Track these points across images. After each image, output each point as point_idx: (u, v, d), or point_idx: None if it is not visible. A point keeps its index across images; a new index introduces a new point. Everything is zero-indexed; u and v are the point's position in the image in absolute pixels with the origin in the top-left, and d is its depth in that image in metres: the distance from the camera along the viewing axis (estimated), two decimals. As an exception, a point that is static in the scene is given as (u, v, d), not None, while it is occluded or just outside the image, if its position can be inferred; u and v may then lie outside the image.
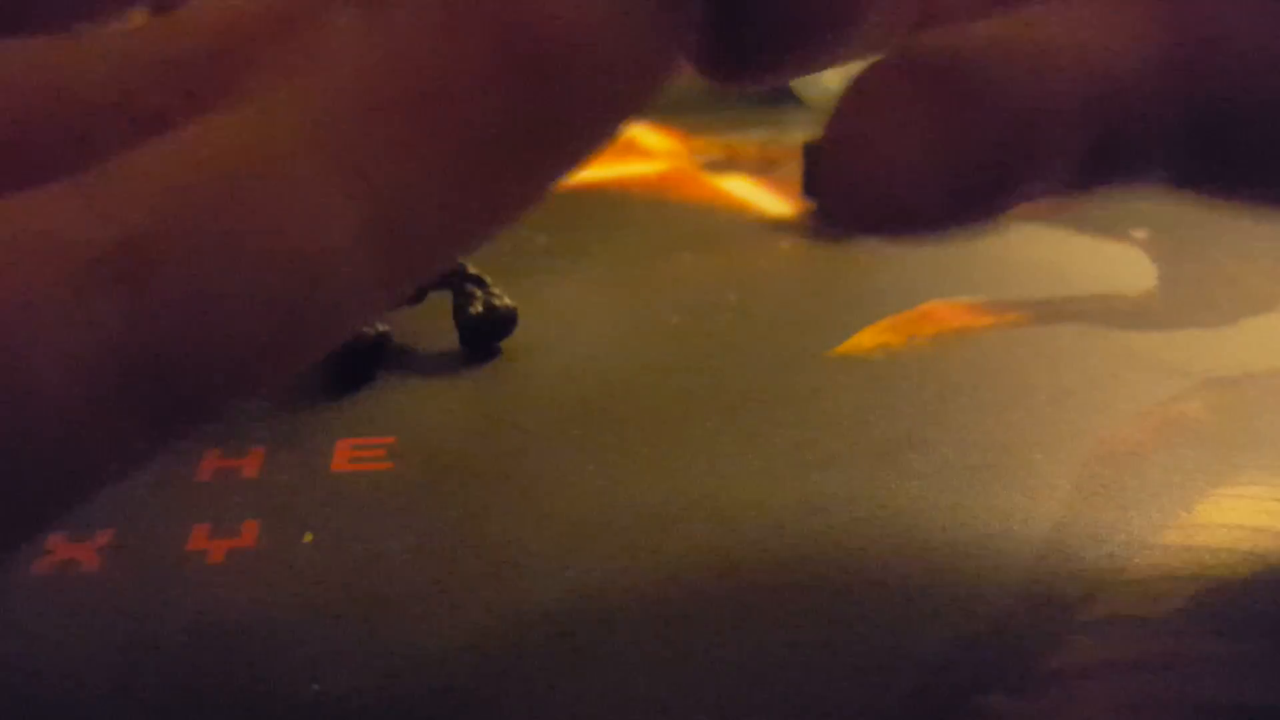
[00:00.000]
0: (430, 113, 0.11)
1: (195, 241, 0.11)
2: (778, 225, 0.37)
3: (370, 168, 0.11)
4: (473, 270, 0.28)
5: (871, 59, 0.15)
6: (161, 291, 0.11)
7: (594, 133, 0.13)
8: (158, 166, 0.11)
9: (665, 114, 0.48)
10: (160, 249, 0.11)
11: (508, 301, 0.28)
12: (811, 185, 0.36)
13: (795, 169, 0.37)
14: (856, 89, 0.14)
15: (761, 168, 0.42)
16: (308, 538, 0.21)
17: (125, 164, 0.11)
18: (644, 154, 0.44)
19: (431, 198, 0.11)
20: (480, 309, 0.28)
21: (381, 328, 0.27)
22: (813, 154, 0.36)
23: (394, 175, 0.11)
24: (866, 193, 0.14)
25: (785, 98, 0.49)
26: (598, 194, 0.40)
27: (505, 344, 0.28)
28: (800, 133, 0.41)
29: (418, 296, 0.28)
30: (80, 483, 0.11)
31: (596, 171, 0.42)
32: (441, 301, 0.28)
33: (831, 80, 0.48)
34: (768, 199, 0.39)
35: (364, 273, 0.11)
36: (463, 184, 0.12)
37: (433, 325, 0.28)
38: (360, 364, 0.26)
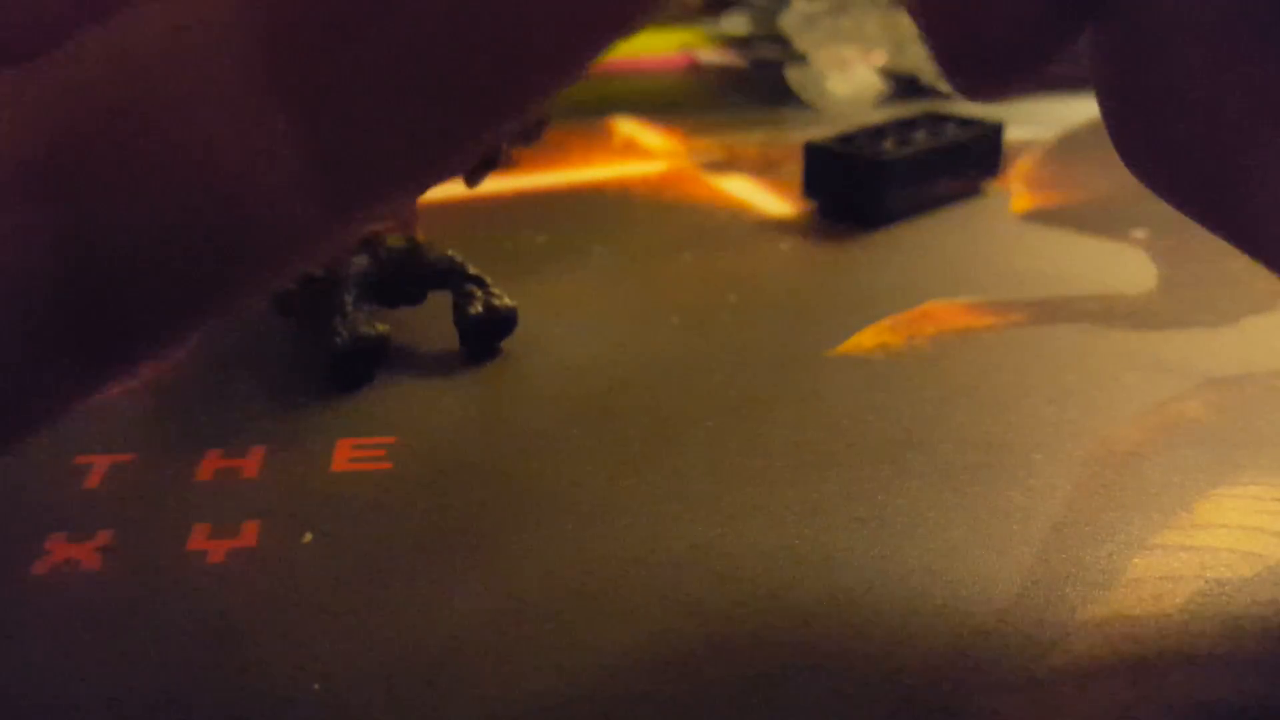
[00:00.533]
0: (380, 27, 0.10)
1: (120, 161, 0.10)
2: (778, 225, 0.37)
3: (317, 92, 0.10)
4: (473, 270, 0.28)
5: None
6: (93, 206, 0.10)
7: (569, 62, 0.11)
8: (90, 67, 0.10)
9: (665, 114, 0.48)
10: (91, 161, 0.10)
11: (508, 301, 0.28)
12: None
13: (795, 169, 0.37)
14: None
15: (761, 168, 0.42)
16: (308, 538, 0.21)
17: (59, 60, 0.10)
18: (644, 154, 0.44)
19: (384, 132, 0.10)
20: (480, 309, 0.28)
21: (381, 328, 0.27)
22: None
23: (341, 102, 0.10)
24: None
25: (785, 98, 0.49)
26: (598, 194, 0.40)
27: (505, 344, 0.28)
28: (800, 133, 0.41)
29: (418, 296, 0.28)
30: (11, 422, 0.10)
31: (596, 171, 0.42)
32: (441, 301, 0.28)
33: (833, 82, 0.48)
34: (768, 199, 0.39)
35: (308, 208, 0.10)
36: (418, 114, 0.10)
37: (433, 325, 0.28)
38: (360, 364, 0.26)
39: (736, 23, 0.57)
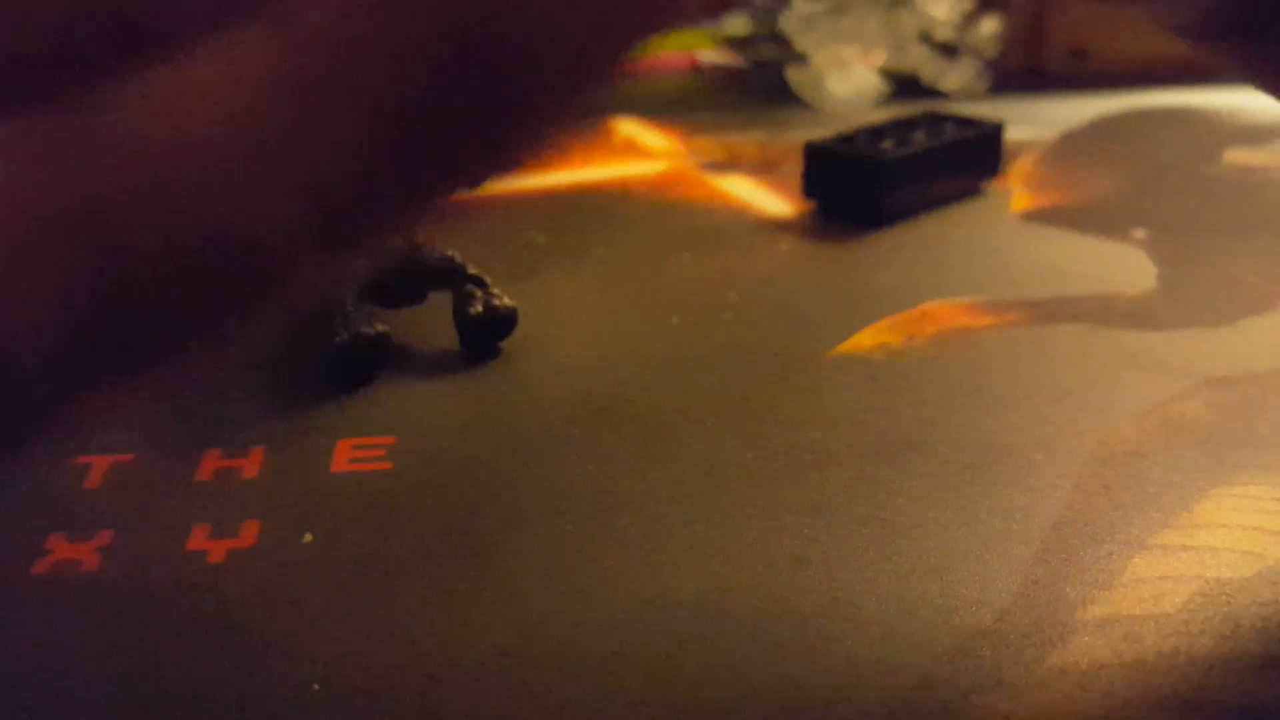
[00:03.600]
0: (362, 95, 0.11)
1: (151, 211, 0.11)
2: (777, 225, 0.37)
3: (307, 157, 0.11)
4: (473, 270, 0.28)
5: None
6: (118, 251, 0.11)
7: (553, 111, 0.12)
8: (129, 120, 0.11)
9: (665, 114, 0.48)
10: (122, 212, 0.11)
11: (508, 301, 0.28)
12: None
13: (795, 169, 0.37)
14: None
15: (761, 168, 0.42)
16: (308, 538, 0.21)
17: (97, 109, 0.11)
18: (644, 154, 0.44)
19: (367, 190, 0.11)
20: (480, 309, 0.28)
21: (381, 328, 0.27)
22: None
23: (331, 170, 0.11)
24: None
25: (785, 98, 0.49)
26: (598, 194, 0.40)
27: (505, 344, 0.28)
28: (800, 133, 0.41)
29: (418, 296, 0.28)
30: (26, 430, 0.12)
31: (596, 171, 0.42)
32: (441, 301, 0.28)
33: (833, 82, 0.49)
34: (768, 199, 0.39)
35: (299, 250, 0.12)
36: (398, 174, 0.11)
37: (433, 325, 0.28)
38: (360, 364, 0.26)
39: (736, 23, 0.57)
